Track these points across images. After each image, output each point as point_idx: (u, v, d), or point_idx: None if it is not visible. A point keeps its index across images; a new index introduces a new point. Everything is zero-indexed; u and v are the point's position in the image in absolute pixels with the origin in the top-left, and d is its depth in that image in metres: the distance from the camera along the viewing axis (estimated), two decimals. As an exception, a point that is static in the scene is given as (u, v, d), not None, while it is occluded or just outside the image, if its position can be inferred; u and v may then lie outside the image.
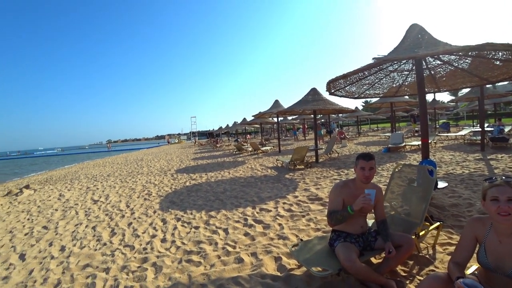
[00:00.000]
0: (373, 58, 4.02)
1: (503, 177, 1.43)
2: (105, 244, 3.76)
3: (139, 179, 9.22)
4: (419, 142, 8.88)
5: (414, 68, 5.44)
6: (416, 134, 16.87)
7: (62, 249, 3.71)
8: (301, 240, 2.87)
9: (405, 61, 5.34)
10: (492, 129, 10.84)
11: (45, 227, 4.74)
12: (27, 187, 9.45)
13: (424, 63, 5.35)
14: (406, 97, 15.04)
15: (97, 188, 8.04)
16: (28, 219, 5.46)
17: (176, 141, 57.49)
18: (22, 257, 3.65)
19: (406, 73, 6.06)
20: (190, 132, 61.22)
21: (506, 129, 12.11)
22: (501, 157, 7.51)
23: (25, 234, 4.55)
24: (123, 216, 4.98)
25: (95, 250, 3.58)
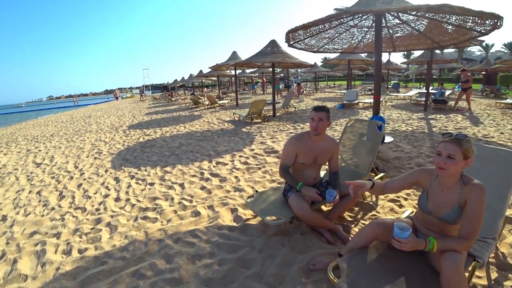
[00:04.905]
0: (334, 9, 3.93)
1: (455, 135, 1.51)
2: (53, 208, 3.56)
3: (88, 138, 8.62)
4: (372, 100, 9.36)
5: (373, 25, 5.45)
6: (369, 93, 17.72)
7: (3, 218, 3.42)
8: (256, 191, 2.97)
9: (365, 16, 5.31)
10: (436, 91, 11.81)
11: (-20, 197, 4.31)
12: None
13: (383, 21, 5.38)
14: (363, 55, 15.45)
15: (40, 150, 7.38)
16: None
17: (128, 95, 53.67)
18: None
19: (365, 29, 6.06)
20: (143, 86, 57.38)
21: (447, 93, 13.38)
22: (440, 117, 8.32)
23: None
24: (71, 178, 4.70)
25: (42, 216, 3.37)
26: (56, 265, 2.35)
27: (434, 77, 30.57)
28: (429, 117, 8.43)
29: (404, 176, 1.82)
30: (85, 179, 4.56)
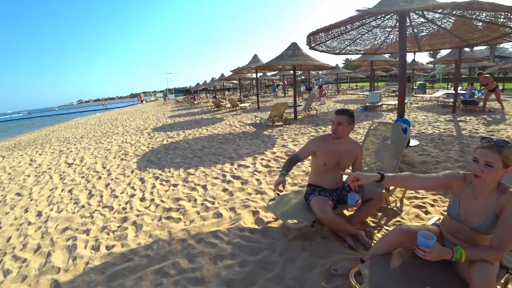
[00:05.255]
0: (356, 10, 3.88)
1: (495, 140, 1.41)
2: (83, 206, 3.75)
3: (115, 139, 8.99)
4: (396, 102, 9.09)
5: (397, 24, 5.31)
6: (393, 94, 17.19)
7: (39, 214, 3.67)
8: (278, 194, 2.97)
9: (389, 16, 5.20)
10: (465, 92, 11.18)
11: (18, 194, 4.60)
12: (-6, 153, 9.01)
13: (408, 20, 5.23)
14: (386, 56, 15.01)
15: (71, 151, 7.79)
16: None
17: (152, 99, 55.26)
18: (-3, 224, 3.58)
19: (388, 29, 5.91)
20: (166, 89, 58.95)
21: (477, 93, 12.58)
22: (469, 119, 7.85)
23: (-2, 202, 4.42)
24: (99, 178, 4.93)
25: (73, 213, 3.57)
26: (85, 260, 2.48)
27: (464, 76, 29.14)
28: (458, 119, 8.02)
29: (435, 175, 1.67)
30: (112, 179, 4.76)
